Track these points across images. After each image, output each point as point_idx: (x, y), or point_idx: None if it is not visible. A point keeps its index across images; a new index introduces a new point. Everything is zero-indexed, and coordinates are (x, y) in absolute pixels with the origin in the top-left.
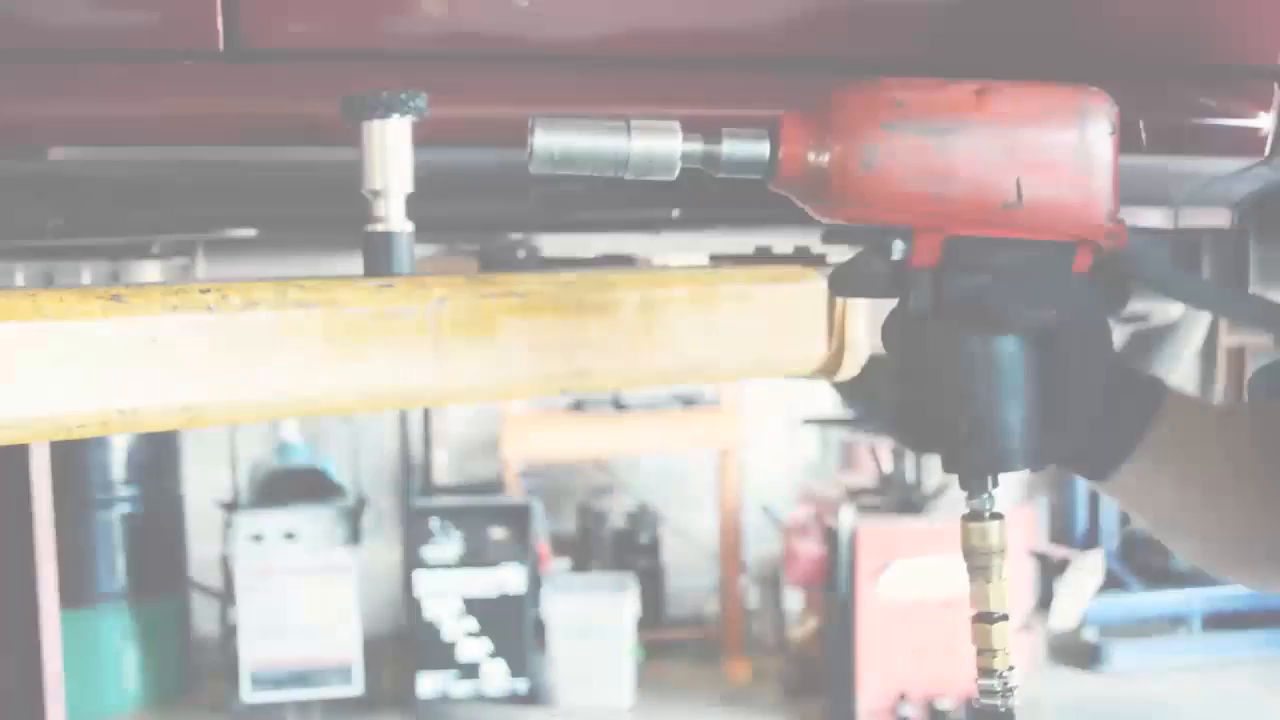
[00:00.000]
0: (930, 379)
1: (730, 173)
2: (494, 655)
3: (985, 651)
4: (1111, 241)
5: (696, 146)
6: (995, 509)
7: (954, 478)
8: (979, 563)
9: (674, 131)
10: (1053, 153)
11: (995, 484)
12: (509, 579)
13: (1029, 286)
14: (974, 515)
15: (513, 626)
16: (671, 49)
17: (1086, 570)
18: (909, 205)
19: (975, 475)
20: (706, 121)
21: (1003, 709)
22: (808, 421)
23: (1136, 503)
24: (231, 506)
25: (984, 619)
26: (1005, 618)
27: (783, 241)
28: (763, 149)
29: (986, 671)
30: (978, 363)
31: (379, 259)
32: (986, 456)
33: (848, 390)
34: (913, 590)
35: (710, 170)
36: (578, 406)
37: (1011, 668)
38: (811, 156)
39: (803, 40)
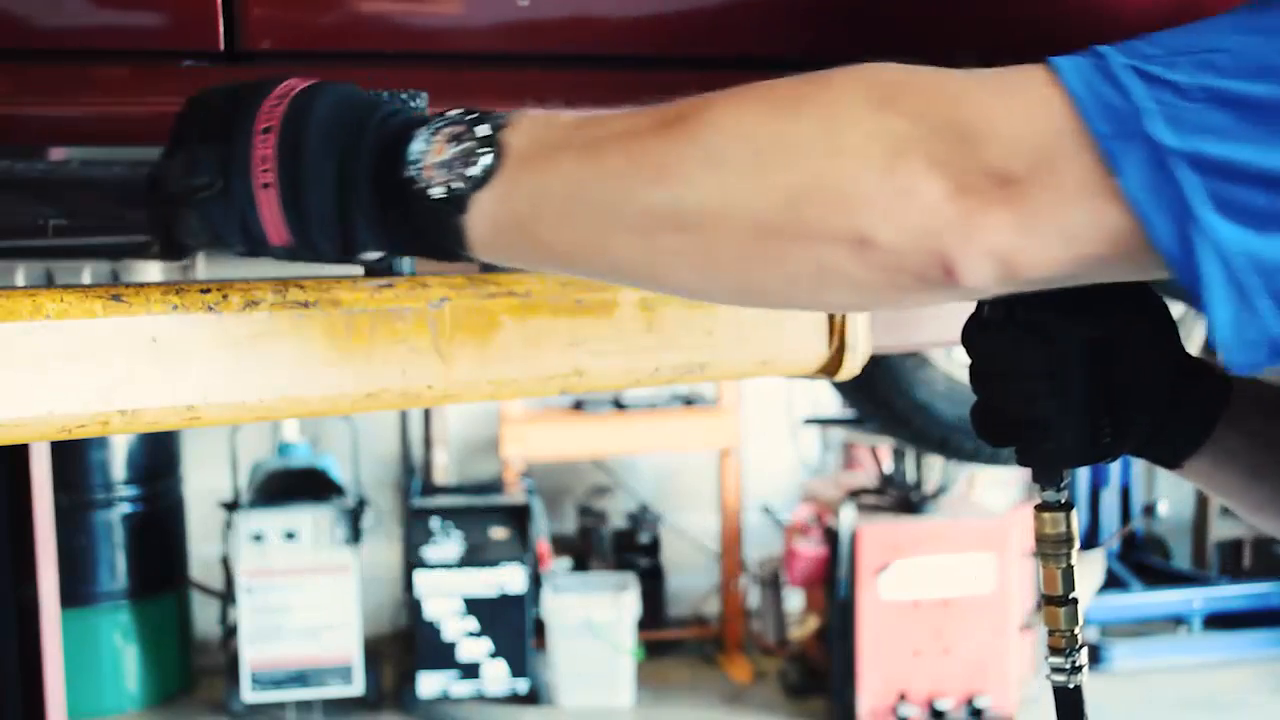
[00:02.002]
0: (1006, 380)
1: None
2: (494, 655)
3: (1055, 632)
4: None
5: None
6: (1066, 500)
7: (955, 477)
8: (1051, 550)
9: None
10: None
11: (1067, 477)
12: (509, 579)
13: (1096, 292)
14: (1047, 506)
15: (513, 626)
16: (675, 47)
17: (1086, 570)
18: None
19: (1050, 469)
20: None
21: (1071, 685)
22: (808, 421)
23: (1212, 485)
24: (231, 506)
25: (1055, 601)
26: (1075, 601)
27: None
28: None
29: (1056, 650)
30: (1050, 365)
31: (379, 259)
32: (1060, 452)
33: (851, 390)
34: (913, 590)
35: None
36: (578, 406)
37: (1080, 647)
38: None
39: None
